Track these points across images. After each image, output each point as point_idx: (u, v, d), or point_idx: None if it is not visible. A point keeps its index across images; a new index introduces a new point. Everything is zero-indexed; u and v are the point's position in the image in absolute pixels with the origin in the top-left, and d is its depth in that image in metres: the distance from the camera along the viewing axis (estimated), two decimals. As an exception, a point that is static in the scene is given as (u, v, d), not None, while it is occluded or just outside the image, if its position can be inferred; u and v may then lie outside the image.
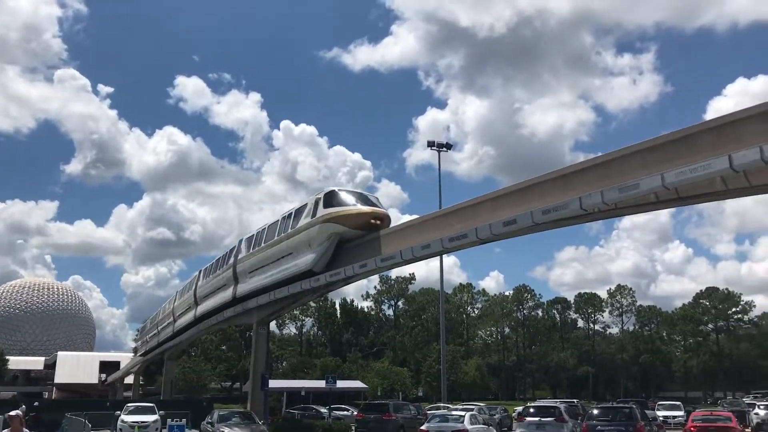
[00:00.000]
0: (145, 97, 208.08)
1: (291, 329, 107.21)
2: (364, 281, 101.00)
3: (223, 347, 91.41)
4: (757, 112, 14.76)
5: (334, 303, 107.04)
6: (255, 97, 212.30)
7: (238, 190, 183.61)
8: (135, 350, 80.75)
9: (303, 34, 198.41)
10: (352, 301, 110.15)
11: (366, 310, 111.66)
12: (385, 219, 27.35)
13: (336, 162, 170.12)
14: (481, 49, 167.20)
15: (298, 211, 29.89)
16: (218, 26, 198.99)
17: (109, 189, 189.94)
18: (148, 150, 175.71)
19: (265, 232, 33.52)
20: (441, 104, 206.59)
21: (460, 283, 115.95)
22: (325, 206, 27.34)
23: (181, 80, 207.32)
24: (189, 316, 46.58)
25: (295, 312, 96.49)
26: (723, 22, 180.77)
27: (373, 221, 26.77)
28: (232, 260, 37.80)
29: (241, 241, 37.48)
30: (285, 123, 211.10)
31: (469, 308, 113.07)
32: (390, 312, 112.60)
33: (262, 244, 33.36)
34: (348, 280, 29.59)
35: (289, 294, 30.87)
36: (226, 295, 38.03)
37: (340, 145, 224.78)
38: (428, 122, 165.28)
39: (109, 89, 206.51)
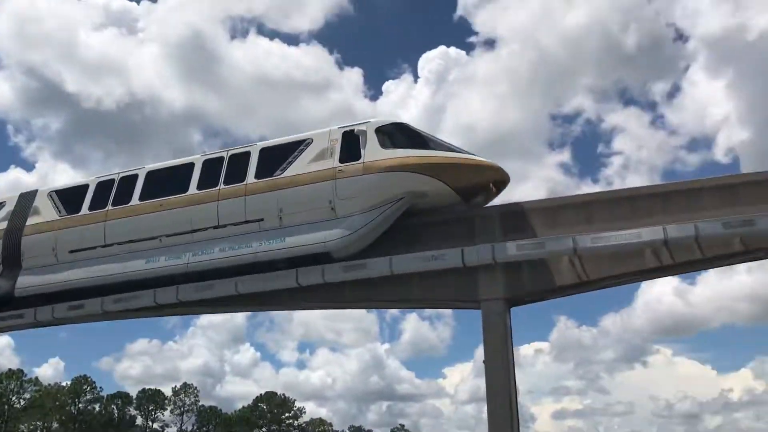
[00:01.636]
0: None
1: None
2: None
3: None
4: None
5: None
6: None
7: None
8: None
9: None
10: None
11: None
12: (504, 186, 15.82)
13: None
14: (85, 118, 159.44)
15: (289, 149, 15.87)
16: None
17: None
18: None
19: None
20: (28, 166, 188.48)
21: (10, 369, 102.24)
22: (386, 145, 15.06)
23: None
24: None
25: None
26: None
27: (493, 186, 15.56)
28: None
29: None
30: None
31: (14, 398, 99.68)
32: None
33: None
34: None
35: None
36: None
37: None
38: (9, 182, 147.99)
39: None
